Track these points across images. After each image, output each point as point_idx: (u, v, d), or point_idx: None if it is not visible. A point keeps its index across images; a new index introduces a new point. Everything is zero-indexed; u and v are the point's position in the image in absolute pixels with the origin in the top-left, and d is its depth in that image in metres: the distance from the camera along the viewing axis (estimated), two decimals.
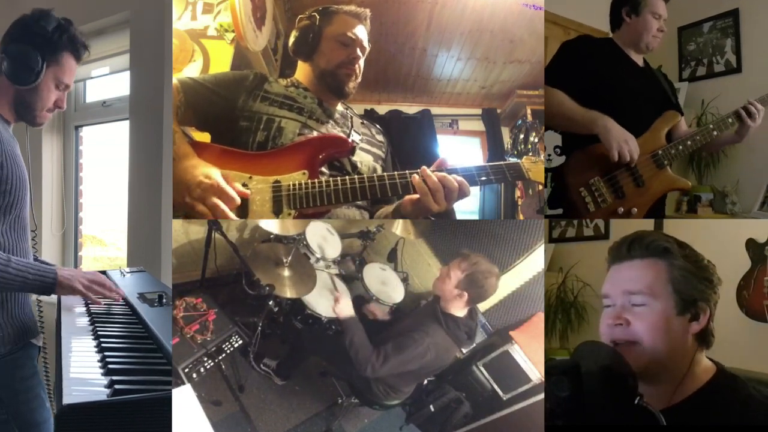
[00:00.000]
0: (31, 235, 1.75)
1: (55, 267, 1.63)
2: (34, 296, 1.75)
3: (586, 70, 1.95)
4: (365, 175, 1.49)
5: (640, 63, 2.06)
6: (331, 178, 1.47)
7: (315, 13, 1.66)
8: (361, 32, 1.66)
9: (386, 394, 2.14)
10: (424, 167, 1.43)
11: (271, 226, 2.33)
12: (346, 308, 2.09)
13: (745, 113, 1.92)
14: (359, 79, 1.67)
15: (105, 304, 1.76)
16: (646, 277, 1.12)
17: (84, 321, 1.62)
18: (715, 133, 1.95)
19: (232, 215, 1.37)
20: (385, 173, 1.53)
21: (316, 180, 1.46)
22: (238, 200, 1.38)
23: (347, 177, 1.46)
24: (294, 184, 1.44)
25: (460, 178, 1.42)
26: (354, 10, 1.67)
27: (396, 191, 1.44)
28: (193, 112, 1.58)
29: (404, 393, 2.14)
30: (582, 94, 1.90)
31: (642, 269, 1.13)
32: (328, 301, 2.43)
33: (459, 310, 2.06)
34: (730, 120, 1.95)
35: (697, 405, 1.09)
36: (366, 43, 1.67)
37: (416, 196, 1.43)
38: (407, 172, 1.45)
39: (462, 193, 1.42)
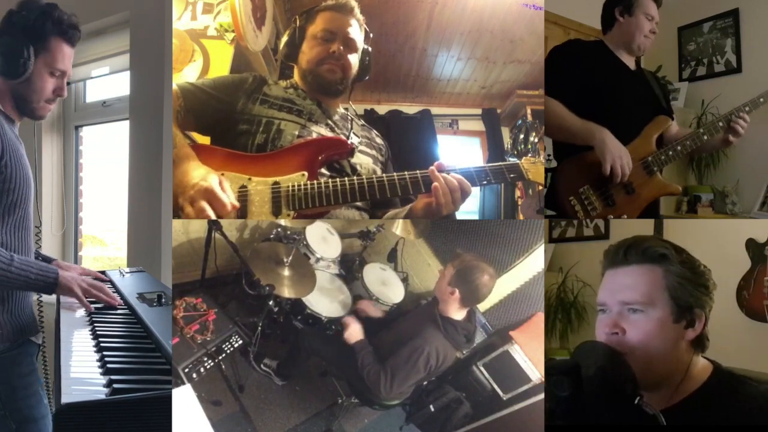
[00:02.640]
0: (34, 231, 1.75)
1: (57, 269, 1.64)
2: (35, 295, 1.76)
3: (577, 75, 1.94)
4: (364, 176, 1.48)
5: (632, 66, 2.04)
6: (330, 179, 1.46)
7: (301, 15, 1.64)
8: (345, 25, 1.60)
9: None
10: (432, 168, 1.40)
11: None
12: (355, 333, 2.08)
13: (740, 127, 1.92)
14: (349, 73, 1.63)
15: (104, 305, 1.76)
16: (642, 284, 1.11)
17: (83, 320, 1.62)
18: (705, 137, 1.95)
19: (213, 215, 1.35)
20: (384, 174, 1.52)
21: (315, 181, 1.45)
22: (230, 207, 1.36)
23: (346, 178, 1.45)
24: (293, 186, 1.43)
25: (459, 177, 1.41)
26: (336, 4, 1.61)
27: (395, 192, 1.44)
28: (193, 117, 1.58)
29: (404, 393, 2.13)
30: (573, 99, 1.88)
31: (638, 275, 1.12)
32: (328, 301, 2.43)
33: (456, 311, 2.04)
34: (721, 124, 1.95)
35: (696, 404, 1.09)
36: (354, 35, 1.61)
37: (427, 199, 1.42)
38: (406, 173, 1.44)
39: (465, 193, 1.42)
